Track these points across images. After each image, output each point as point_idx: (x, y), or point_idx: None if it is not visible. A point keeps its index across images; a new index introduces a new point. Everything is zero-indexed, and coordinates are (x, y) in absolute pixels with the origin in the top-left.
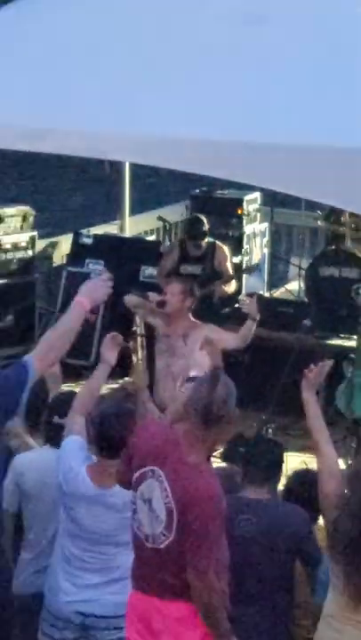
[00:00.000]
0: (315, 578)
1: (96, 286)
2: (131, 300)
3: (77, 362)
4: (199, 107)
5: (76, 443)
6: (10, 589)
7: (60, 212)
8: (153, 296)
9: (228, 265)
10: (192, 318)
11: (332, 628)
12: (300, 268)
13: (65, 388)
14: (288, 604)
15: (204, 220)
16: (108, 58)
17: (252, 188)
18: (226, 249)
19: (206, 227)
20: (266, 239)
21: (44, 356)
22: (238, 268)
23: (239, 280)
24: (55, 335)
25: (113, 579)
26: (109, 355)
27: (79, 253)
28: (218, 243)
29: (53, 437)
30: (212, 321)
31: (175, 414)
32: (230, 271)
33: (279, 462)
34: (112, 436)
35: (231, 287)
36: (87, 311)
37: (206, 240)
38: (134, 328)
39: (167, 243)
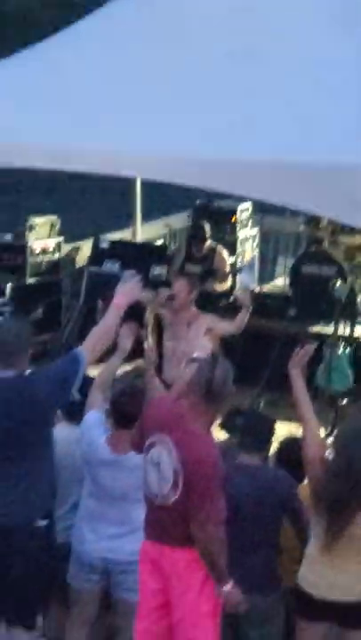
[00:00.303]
0: (302, 530)
1: (130, 288)
2: (143, 295)
3: None
4: (199, 131)
5: (95, 417)
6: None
7: (82, 220)
8: (163, 291)
9: (227, 265)
10: (195, 309)
11: (312, 566)
12: (285, 266)
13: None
14: (275, 552)
15: (206, 227)
16: (123, 90)
17: (244, 199)
18: (225, 251)
19: (208, 232)
20: (256, 242)
21: (92, 348)
22: (233, 267)
23: (233, 277)
24: (100, 332)
25: (129, 530)
26: (126, 342)
27: (98, 256)
28: (219, 246)
29: (72, 413)
30: (212, 312)
31: (180, 391)
32: (227, 270)
33: (270, 434)
34: (126, 411)
35: (227, 283)
36: (124, 309)
37: (208, 243)
38: (145, 318)
39: (172, 246)
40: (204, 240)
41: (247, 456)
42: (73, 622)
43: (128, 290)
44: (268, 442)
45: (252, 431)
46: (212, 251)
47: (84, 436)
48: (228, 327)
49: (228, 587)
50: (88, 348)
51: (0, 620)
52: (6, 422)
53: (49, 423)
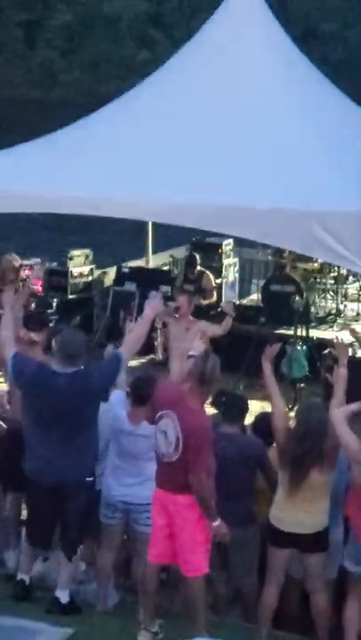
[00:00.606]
0: (271, 481)
1: (155, 303)
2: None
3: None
4: (197, 185)
5: (119, 396)
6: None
7: (108, 252)
8: (171, 304)
9: (212, 285)
10: (191, 317)
11: (279, 508)
12: (258, 285)
13: None
14: (251, 497)
15: (197, 257)
16: (143, 156)
17: (227, 236)
18: (211, 275)
19: (198, 261)
20: (236, 268)
21: (129, 351)
22: (219, 286)
23: (219, 293)
24: (134, 338)
25: (143, 480)
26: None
27: (120, 278)
28: (206, 272)
29: None
30: (203, 319)
31: (182, 379)
32: (213, 288)
33: (245, 409)
34: (142, 393)
35: (213, 298)
36: (152, 319)
37: (198, 269)
38: (155, 324)
39: (175, 271)
40: (195, 266)
41: (229, 426)
42: (103, 549)
43: (154, 304)
44: (244, 415)
45: (232, 407)
46: (202, 274)
47: (111, 410)
48: (216, 330)
49: (216, 523)
50: (126, 350)
51: (47, 549)
52: (69, 404)
53: (97, 406)
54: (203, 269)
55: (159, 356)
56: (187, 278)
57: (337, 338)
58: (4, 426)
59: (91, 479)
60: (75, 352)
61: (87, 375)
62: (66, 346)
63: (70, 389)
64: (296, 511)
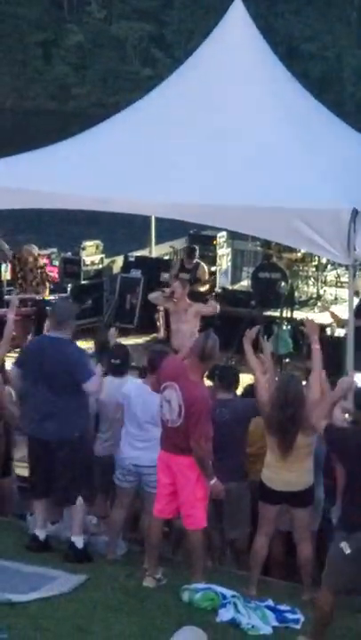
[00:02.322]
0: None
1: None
2: (151, 296)
3: (125, 325)
4: (194, 184)
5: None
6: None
7: (116, 243)
8: (166, 290)
9: (206, 276)
10: (188, 301)
11: (270, 470)
12: (248, 273)
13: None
14: (244, 456)
15: (197, 250)
16: (145, 155)
17: (221, 229)
18: (206, 267)
19: (196, 252)
20: (229, 257)
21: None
22: (214, 274)
23: (214, 279)
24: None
25: (152, 444)
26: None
27: (127, 266)
28: (202, 263)
29: (112, 372)
30: (198, 301)
31: (185, 354)
32: (206, 278)
33: (237, 379)
34: (153, 365)
35: (206, 287)
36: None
37: (195, 260)
38: (158, 307)
39: (175, 260)
40: (194, 257)
41: (224, 393)
42: (116, 507)
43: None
44: (237, 383)
45: (226, 377)
46: (198, 265)
47: (126, 384)
48: (209, 310)
49: (213, 481)
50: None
51: (48, 496)
52: (52, 361)
53: (77, 377)
54: (199, 261)
55: (161, 334)
56: (184, 267)
57: (307, 318)
58: None
59: (77, 435)
60: (64, 317)
61: (67, 345)
62: (56, 312)
63: (54, 350)
64: (286, 472)
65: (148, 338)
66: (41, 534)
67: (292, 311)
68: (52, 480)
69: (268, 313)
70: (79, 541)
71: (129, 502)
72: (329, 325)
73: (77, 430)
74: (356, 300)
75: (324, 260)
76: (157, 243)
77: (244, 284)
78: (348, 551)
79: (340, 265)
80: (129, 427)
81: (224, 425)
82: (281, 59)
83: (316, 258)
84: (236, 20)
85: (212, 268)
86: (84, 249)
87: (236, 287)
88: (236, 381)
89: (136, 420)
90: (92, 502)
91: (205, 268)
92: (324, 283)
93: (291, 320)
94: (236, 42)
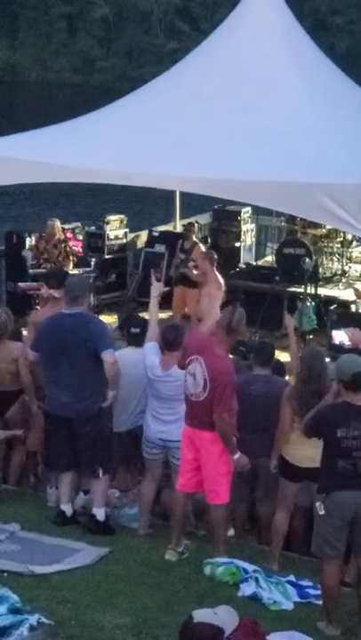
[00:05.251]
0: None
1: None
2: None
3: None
4: (222, 160)
5: (153, 346)
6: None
7: (141, 217)
8: (191, 264)
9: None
10: (215, 272)
11: (294, 447)
12: (272, 248)
13: None
14: (273, 433)
15: (191, 228)
16: (170, 129)
17: (245, 205)
18: (202, 247)
19: (192, 233)
20: (254, 233)
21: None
22: (237, 249)
23: (238, 255)
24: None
25: (176, 419)
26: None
27: (151, 241)
28: (199, 243)
29: (132, 341)
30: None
31: (210, 327)
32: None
33: (273, 354)
34: (173, 340)
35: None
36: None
37: (193, 239)
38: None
39: (199, 235)
40: (190, 238)
41: (261, 369)
42: (146, 480)
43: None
44: (273, 359)
45: (263, 353)
46: (195, 245)
47: (146, 359)
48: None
49: (237, 455)
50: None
51: (69, 470)
52: (74, 338)
53: (97, 349)
54: (196, 241)
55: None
56: (181, 248)
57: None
58: None
59: (100, 409)
60: (78, 293)
61: (88, 317)
62: (71, 288)
63: (76, 325)
64: (309, 447)
65: (171, 313)
66: (68, 509)
67: (316, 287)
68: (76, 454)
69: (292, 289)
70: (100, 514)
71: (159, 475)
72: (353, 302)
73: (99, 404)
74: None
75: (349, 237)
76: (182, 218)
77: (269, 259)
78: (321, 512)
79: None
80: (151, 400)
81: (258, 400)
82: (307, 32)
83: (342, 234)
84: None
85: (237, 244)
86: (107, 223)
87: (260, 263)
88: (272, 357)
89: (156, 394)
90: (114, 476)
91: (202, 248)
92: (349, 259)
93: (315, 296)
94: (262, 14)
